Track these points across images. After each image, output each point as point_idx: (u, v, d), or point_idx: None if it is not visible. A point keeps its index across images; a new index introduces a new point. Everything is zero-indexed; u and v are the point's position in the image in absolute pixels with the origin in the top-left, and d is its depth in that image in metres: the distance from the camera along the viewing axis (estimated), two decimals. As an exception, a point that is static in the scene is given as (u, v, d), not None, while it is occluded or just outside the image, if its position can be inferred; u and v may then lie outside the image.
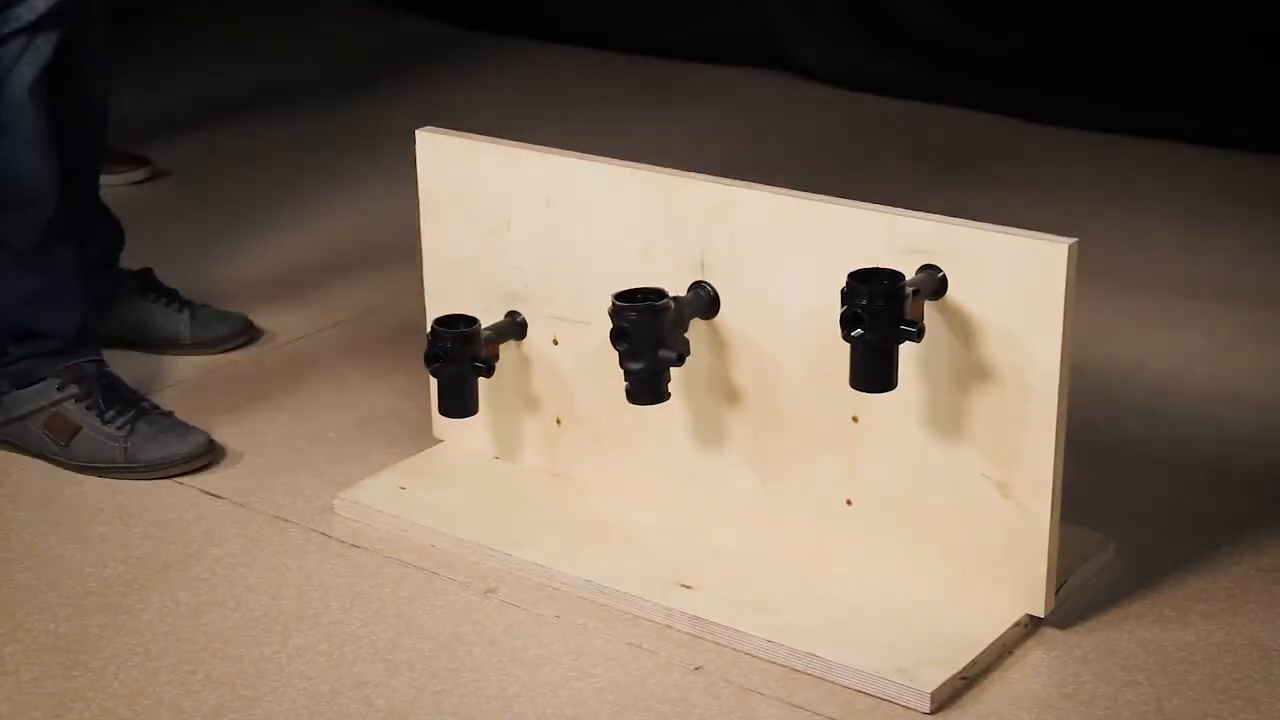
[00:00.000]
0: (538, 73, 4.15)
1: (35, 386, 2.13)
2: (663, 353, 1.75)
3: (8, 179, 2.09)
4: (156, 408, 2.16)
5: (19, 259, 2.13)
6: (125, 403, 2.13)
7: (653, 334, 1.74)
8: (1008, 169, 3.31)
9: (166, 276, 2.55)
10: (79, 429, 2.10)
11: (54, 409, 2.12)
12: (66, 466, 2.11)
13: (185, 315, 2.46)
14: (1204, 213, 3.03)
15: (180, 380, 2.39)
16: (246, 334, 2.50)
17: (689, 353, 1.78)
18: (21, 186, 2.09)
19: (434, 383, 2.00)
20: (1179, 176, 3.23)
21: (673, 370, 1.77)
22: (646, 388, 1.77)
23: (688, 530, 1.90)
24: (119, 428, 2.10)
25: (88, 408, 2.11)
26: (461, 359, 1.91)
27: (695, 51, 4.16)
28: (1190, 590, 1.81)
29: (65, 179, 2.13)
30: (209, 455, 2.11)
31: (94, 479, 2.09)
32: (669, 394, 1.78)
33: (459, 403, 1.95)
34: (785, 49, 4.02)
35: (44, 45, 2.05)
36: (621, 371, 1.76)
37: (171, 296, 2.48)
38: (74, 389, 2.12)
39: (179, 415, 2.27)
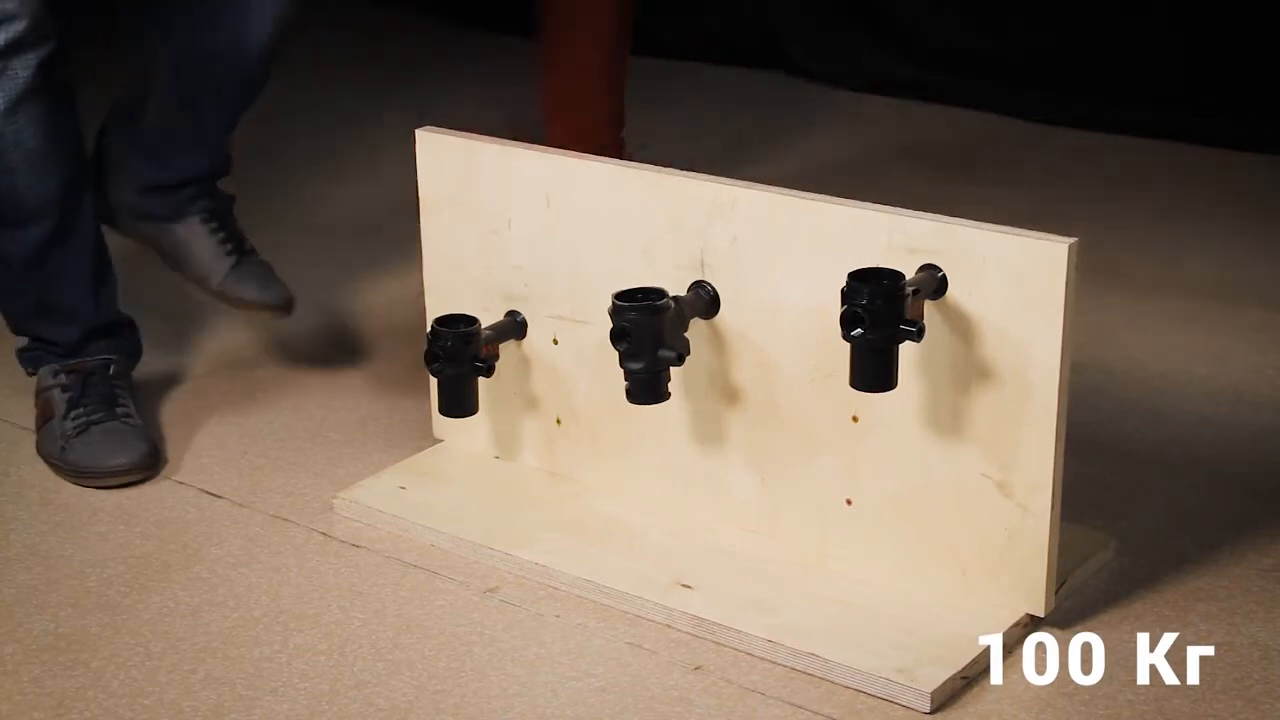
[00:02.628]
0: (538, 73, 4.14)
1: (42, 369, 2.20)
2: (663, 352, 1.75)
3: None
4: (130, 417, 2.15)
5: (16, 274, 2.15)
6: (98, 404, 2.13)
7: (653, 334, 1.74)
8: (1008, 169, 3.31)
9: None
10: (51, 418, 2.14)
11: (45, 394, 2.17)
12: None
13: (228, 262, 2.28)
14: (1204, 213, 3.03)
15: (181, 381, 2.39)
16: (276, 310, 2.31)
17: (689, 352, 1.78)
18: (9, 207, 2.09)
19: (434, 383, 2.01)
20: (1179, 176, 3.23)
21: (673, 370, 1.77)
22: (646, 388, 1.77)
23: (688, 530, 1.90)
24: (74, 426, 2.10)
25: (67, 401, 2.13)
26: (462, 359, 1.91)
27: (695, 51, 4.16)
28: (1190, 590, 1.81)
29: (69, 194, 2.12)
30: (135, 473, 2.08)
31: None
32: (669, 394, 1.78)
33: (459, 403, 1.95)
34: (785, 49, 4.02)
35: (20, 70, 2.02)
36: (621, 371, 1.76)
37: (230, 236, 2.31)
38: (63, 379, 2.15)
39: (179, 415, 2.28)
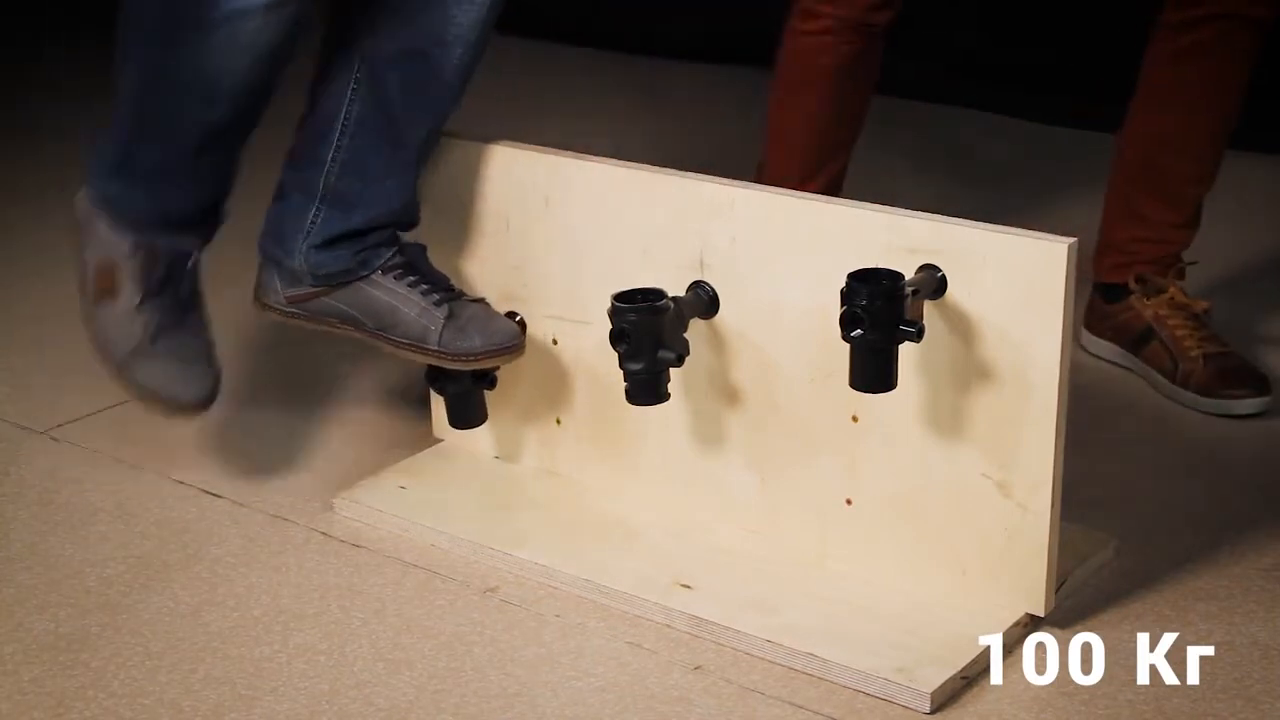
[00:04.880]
0: (538, 73, 4.14)
1: (117, 228, 1.94)
2: (662, 353, 1.75)
3: (197, 67, 1.83)
4: (204, 330, 1.98)
5: (150, 126, 1.90)
6: (174, 307, 1.94)
7: (652, 334, 1.74)
8: (1008, 169, 3.31)
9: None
10: (114, 297, 1.92)
11: (112, 261, 1.93)
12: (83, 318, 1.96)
13: (441, 314, 1.91)
14: (1203, 212, 3.02)
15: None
16: (512, 353, 1.93)
17: (689, 353, 1.78)
18: (208, 82, 1.86)
19: (435, 385, 2.01)
20: (1179, 176, 3.23)
21: (673, 370, 1.77)
22: (646, 389, 1.77)
23: (688, 530, 1.90)
24: (149, 330, 1.91)
25: (142, 289, 1.92)
26: (463, 376, 1.91)
27: (695, 51, 4.16)
28: (1190, 590, 1.81)
29: (257, 102, 1.92)
30: (198, 409, 1.95)
31: (95, 476, 2.09)
32: (669, 394, 1.78)
33: (466, 415, 1.96)
34: (785, 49, 4.02)
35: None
36: (621, 372, 1.76)
37: (433, 285, 1.96)
38: (142, 257, 1.92)
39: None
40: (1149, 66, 2.37)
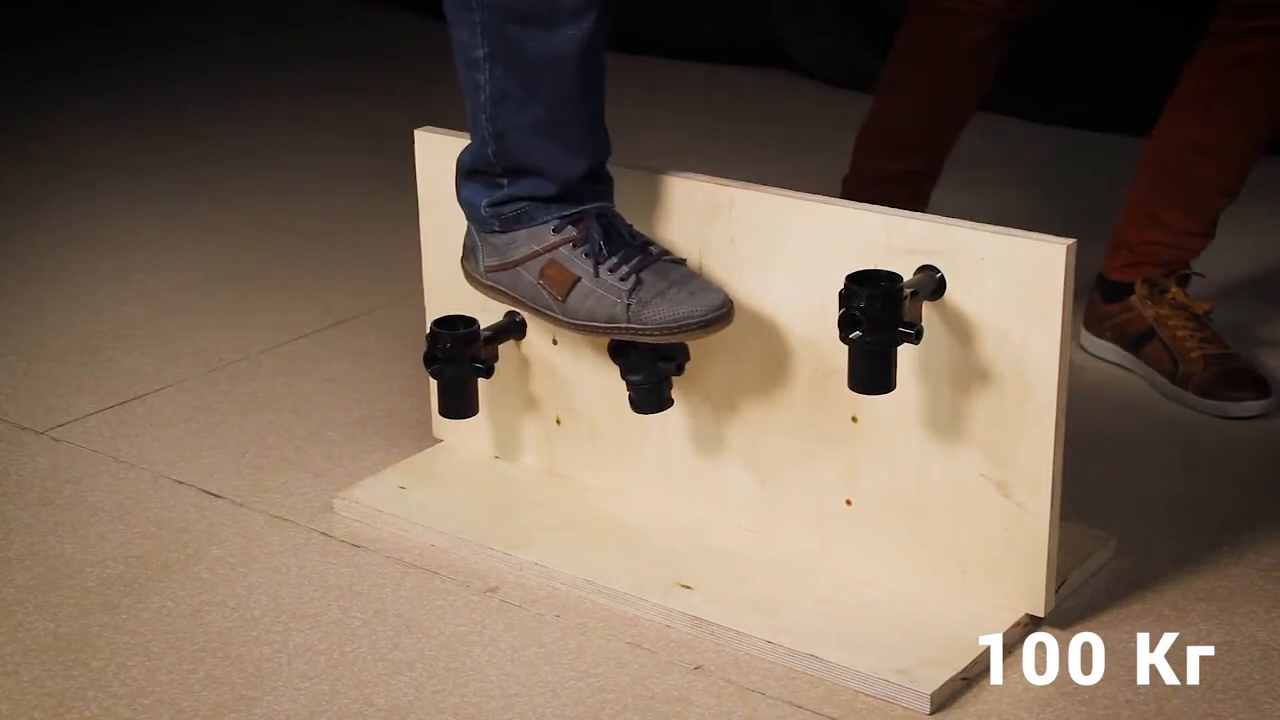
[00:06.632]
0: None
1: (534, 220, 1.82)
2: (662, 364, 1.75)
3: None
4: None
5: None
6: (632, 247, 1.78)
7: (651, 348, 1.74)
8: (1008, 169, 3.31)
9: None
10: (576, 280, 1.77)
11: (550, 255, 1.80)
12: None
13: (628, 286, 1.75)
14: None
15: (180, 381, 2.39)
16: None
17: (689, 358, 1.78)
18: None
19: (434, 383, 2.01)
20: (1179, 176, 3.23)
21: (672, 371, 1.78)
22: (649, 398, 1.77)
23: (688, 530, 1.90)
24: (624, 279, 1.74)
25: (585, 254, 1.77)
26: (461, 360, 1.91)
27: (695, 51, 4.16)
28: (1190, 590, 1.81)
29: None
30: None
31: (95, 476, 2.09)
32: (671, 400, 1.78)
33: (459, 404, 1.95)
34: (785, 49, 4.02)
35: None
36: (624, 380, 1.76)
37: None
38: (571, 231, 1.79)
39: (179, 415, 2.28)
40: (1195, 73, 2.34)
